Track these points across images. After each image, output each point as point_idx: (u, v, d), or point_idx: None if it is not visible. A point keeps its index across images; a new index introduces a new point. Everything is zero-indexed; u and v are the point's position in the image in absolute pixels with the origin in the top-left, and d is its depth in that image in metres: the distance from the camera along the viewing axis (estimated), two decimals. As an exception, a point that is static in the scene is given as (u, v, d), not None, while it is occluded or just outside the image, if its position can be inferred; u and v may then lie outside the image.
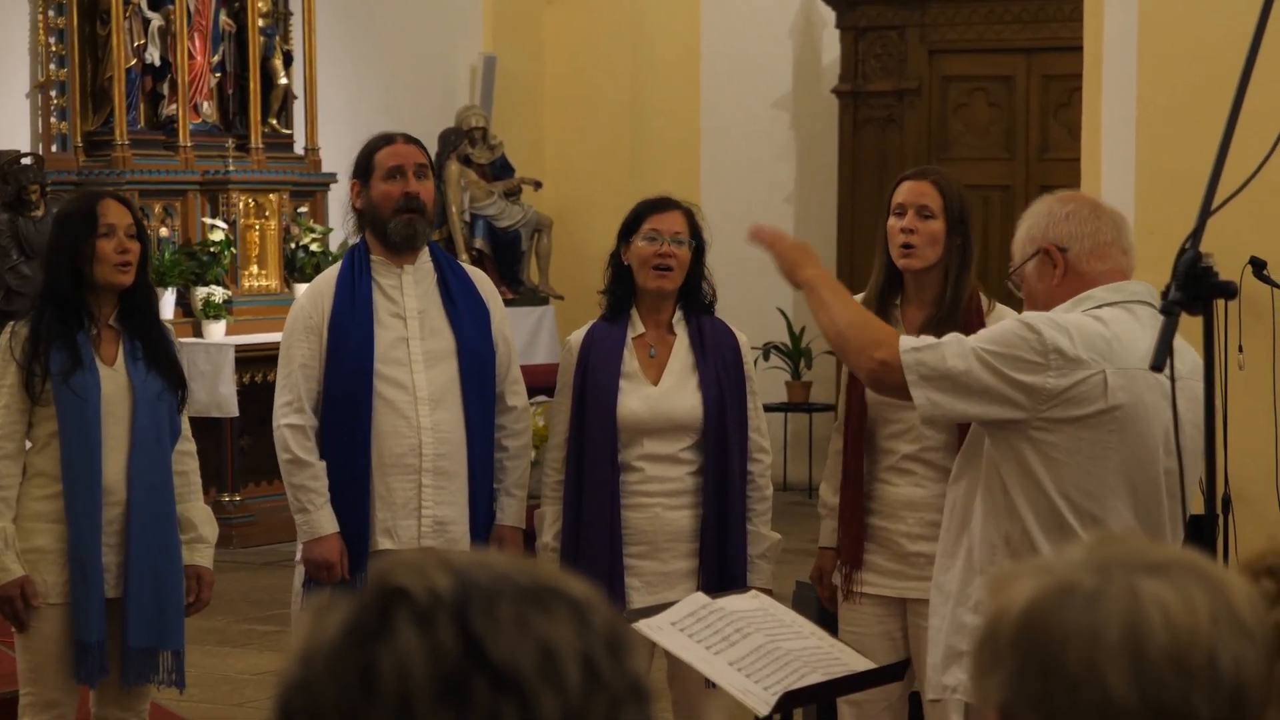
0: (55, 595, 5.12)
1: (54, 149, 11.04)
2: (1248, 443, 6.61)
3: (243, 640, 8.58)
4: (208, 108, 11.67)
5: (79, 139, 11.07)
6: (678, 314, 5.26)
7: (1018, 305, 4.35)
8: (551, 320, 12.90)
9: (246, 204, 11.51)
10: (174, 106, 11.33)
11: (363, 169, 5.35)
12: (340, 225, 11.05)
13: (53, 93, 11.06)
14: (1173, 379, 3.59)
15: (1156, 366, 3.29)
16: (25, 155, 10.59)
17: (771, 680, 4.30)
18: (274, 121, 12.00)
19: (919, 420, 4.22)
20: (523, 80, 13.76)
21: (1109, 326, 3.99)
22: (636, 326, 5.25)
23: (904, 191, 5.02)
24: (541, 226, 13.15)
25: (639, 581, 5.14)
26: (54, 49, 11.03)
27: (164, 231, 11.15)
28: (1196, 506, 4.34)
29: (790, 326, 13.08)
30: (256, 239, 11.59)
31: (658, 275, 5.17)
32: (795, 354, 13.07)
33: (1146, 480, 4.03)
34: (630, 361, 5.20)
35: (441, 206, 12.69)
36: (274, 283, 11.62)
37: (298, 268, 11.72)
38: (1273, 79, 4.50)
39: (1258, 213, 5.51)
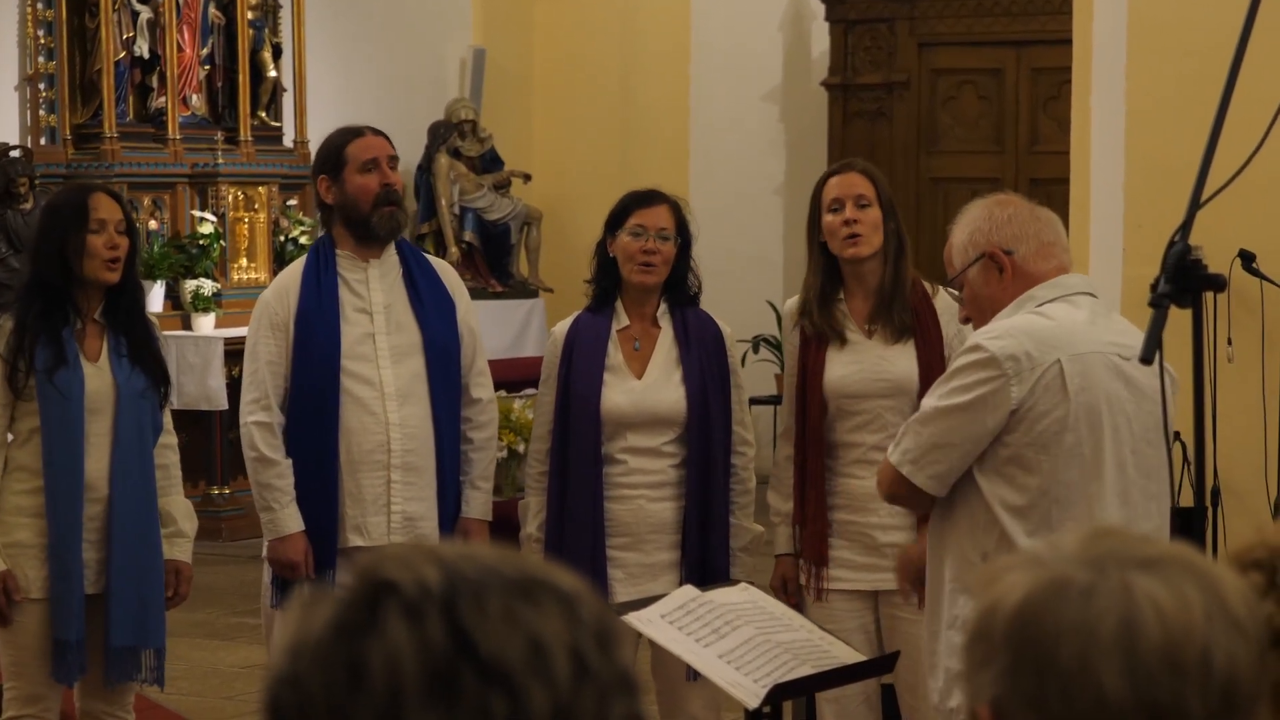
0: (36, 590, 5.09)
1: (43, 142, 11.02)
2: (1236, 435, 6.62)
3: (232, 633, 8.57)
4: (197, 100, 11.65)
5: (68, 132, 11.04)
6: (662, 306, 5.25)
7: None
8: (541, 313, 12.89)
9: (235, 197, 11.49)
10: (163, 99, 11.31)
11: (332, 163, 5.27)
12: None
13: (41, 85, 11.04)
14: (1161, 376, 3.61)
15: (1146, 359, 3.30)
16: (14, 148, 10.56)
17: (761, 673, 4.30)
18: (263, 114, 11.98)
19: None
20: (512, 73, 13.75)
21: (1054, 319, 4.04)
22: (621, 318, 5.24)
23: (835, 187, 5.07)
24: (531, 219, 13.14)
25: (622, 573, 5.14)
26: (43, 42, 11.01)
27: (153, 224, 11.12)
28: (1185, 499, 4.35)
29: (780, 319, 13.06)
30: (245, 232, 11.57)
31: (642, 271, 5.16)
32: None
33: (1116, 466, 4.05)
34: (614, 355, 5.19)
35: (431, 199, 12.69)
36: (263, 275, 11.59)
37: (287, 261, 11.68)
38: (1262, 72, 4.50)
39: (1247, 206, 5.52)
